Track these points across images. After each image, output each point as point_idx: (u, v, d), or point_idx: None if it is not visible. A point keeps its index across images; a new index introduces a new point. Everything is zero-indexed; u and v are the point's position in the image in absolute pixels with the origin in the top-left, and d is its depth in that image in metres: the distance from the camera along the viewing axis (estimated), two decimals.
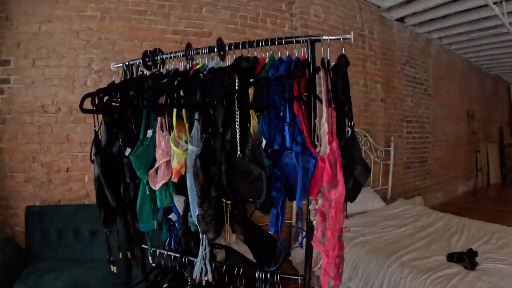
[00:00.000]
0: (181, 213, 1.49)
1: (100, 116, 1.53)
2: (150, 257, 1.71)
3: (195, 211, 1.30)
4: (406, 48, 5.02)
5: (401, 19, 4.78)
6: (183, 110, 1.30)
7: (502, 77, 8.55)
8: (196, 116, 1.23)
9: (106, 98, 1.45)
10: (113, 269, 1.76)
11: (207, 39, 3.07)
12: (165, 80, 1.33)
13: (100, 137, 1.58)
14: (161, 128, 1.36)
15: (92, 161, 1.54)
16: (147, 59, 1.64)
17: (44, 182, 2.70)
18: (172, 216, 1.60)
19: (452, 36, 5.32)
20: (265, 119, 1.14)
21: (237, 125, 1.12)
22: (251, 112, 1.16)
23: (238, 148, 1.12)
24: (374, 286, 2.39)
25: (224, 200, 1.25)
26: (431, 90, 5.57)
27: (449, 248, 2.71)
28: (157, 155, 1.33)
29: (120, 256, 1.76)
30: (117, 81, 1.69)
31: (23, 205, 2.59)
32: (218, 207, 1.25)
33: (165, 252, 1.65)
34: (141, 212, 1.54)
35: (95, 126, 1.54)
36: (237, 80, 1.12)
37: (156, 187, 1.36)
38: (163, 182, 1.33)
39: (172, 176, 1.27)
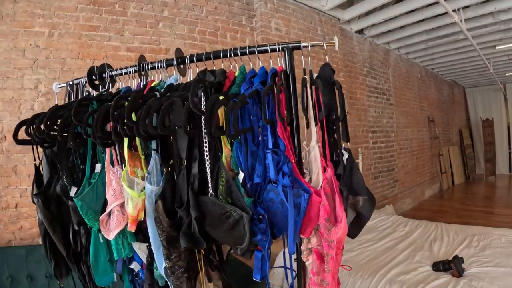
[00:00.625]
0: (145, 262, 1.22)
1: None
2: None
3: (161, 263, 1.04)
4: (367, 59, 5.09)
5: (360, 31, 4.86)
6: (137, 139, 1.03)
7: (458, 82, 9.03)
8: (154, 146, 0.98)
9: (42, 126, 1.18)
10: None
11: (165, 56, 2.85)
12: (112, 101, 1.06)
13: (42, 171, 1.36)
14: (112, 162, 1.09)
15: (34, 202, 1.29)
16: (93, 77, 1.39)
17: None
18: (134, 266, 1.32)
19: (409, 46, 5.52)
20: (241, 146, 0.90)
21: (206, 155, 0.88)
22: (223, 138, 0.93)
23: (209, 185, 0.88)
24: None
25: None
26: (392, 99, 5.70)
27: (432, 257, 2.66)
28: (108, 197, 1.06)
29: None
30: (61, 104, 1.42)
31: None
32: (190, 256, 1.00)
33: None
34: (96, 264, 1.26)
35: (34, 160, 1.35)
36: (203, 99, 0.89)
37: (110, 237, 1.08)
38: (117, 230, 1.06)
39: (129, 226, 1.00)
